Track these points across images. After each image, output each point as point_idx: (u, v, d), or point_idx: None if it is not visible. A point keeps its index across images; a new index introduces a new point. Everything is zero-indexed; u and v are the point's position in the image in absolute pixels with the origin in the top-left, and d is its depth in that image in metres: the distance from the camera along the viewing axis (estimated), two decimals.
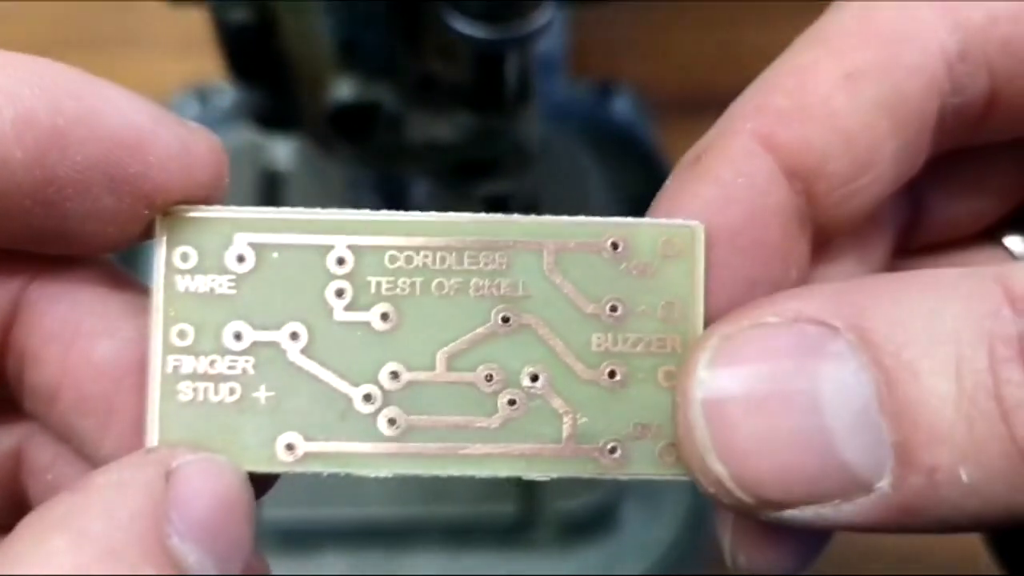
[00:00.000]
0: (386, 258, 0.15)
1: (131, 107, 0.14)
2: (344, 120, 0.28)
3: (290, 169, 0.46)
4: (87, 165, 0.14)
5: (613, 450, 0.15)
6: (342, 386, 0.15)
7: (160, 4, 0.32)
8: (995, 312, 0.13)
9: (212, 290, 0.15)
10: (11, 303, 0.16)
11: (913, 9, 0.15)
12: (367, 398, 0.15)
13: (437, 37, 0.28)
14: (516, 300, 0.15)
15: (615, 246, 0.15)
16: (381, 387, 0.15)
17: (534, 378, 0.15)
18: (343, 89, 0.27)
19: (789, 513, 0.14)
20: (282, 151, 0.46)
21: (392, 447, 0.15)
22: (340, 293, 0.15)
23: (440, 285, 0.15)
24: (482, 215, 0.15)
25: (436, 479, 0.15)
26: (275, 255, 0.15)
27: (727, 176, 0.15)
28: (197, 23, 0.32)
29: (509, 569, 0.37)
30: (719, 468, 0.14)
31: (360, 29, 0.26)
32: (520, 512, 0.37)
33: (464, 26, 0.25)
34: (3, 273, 0.16)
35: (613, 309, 0.15)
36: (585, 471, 0.15)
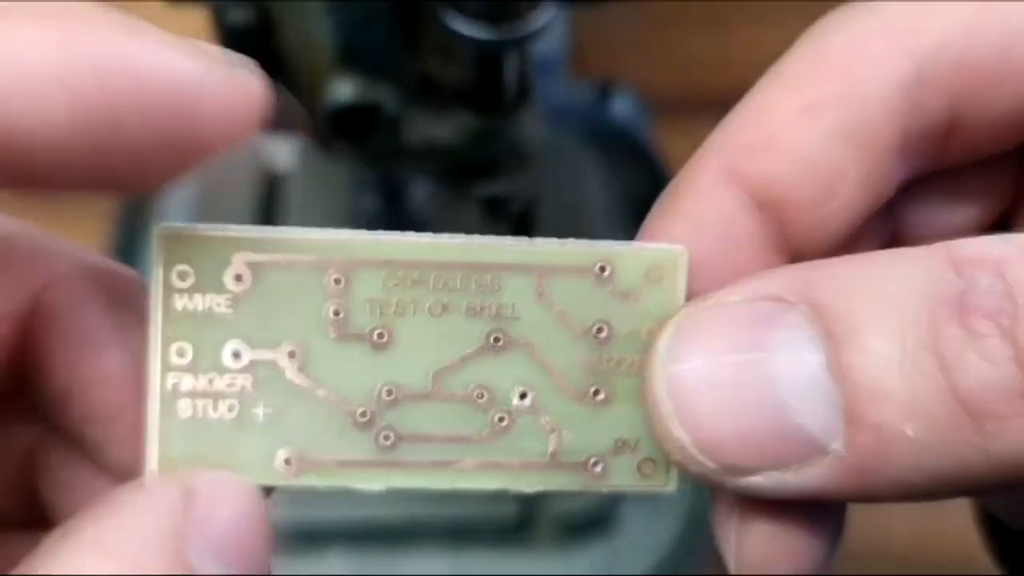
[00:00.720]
0: (381, 279, 0.15)
1: (181, 66, 0.13)
2: (344, 121, 0.27)
3: (290, 169, 0.46)
4: (138, 138, 0.13)
5: (596, 464, 0.16)
6: (338, 403, 0.15)
7: (160, 4, 0.32)
8: (938, 275, 0.13)
9: (210, 309, 0.15)
10: (30, 303, 0.16)
11: (866, 40, 0.16)
12: (362, 415, 0.15)
13: (436, 38, 0.28)
14: (506, 321, 0.16)
15: (602, 270, 0.16)
16: (376, 404, 0.15)
17: (523, 396, 0.16)
18: (343, 90, 0.27)
19: (755, 480, 0.14)
20: (282, 151, 0.46)
21: (386, 462, 0.15)
22: (336, 313, 0.15)
23: (434, 306, 0.15)
24: (474, 238, 0.16)
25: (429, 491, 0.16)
26: (272, 275, 0.15)
27: (696, 210, 0.16)
28: (197, 23, 0.32)
29: (509, 569, 0.37)
30: (682, 435, 0.14)
31: (360, 30, 0.26)
32: (520, 512, 0.37)
33: (463, 27, 0.25)
34: (23, 273, 0.16)
35: (599, 331, 0.16)
36: (569, 485, 0.16)
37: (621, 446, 0.16)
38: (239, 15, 0.28)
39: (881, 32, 0.16)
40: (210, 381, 0.15)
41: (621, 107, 0.47)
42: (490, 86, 0.28)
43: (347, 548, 0.38)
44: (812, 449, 0.14)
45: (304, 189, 0.45)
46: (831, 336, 0.14)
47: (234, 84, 0.14)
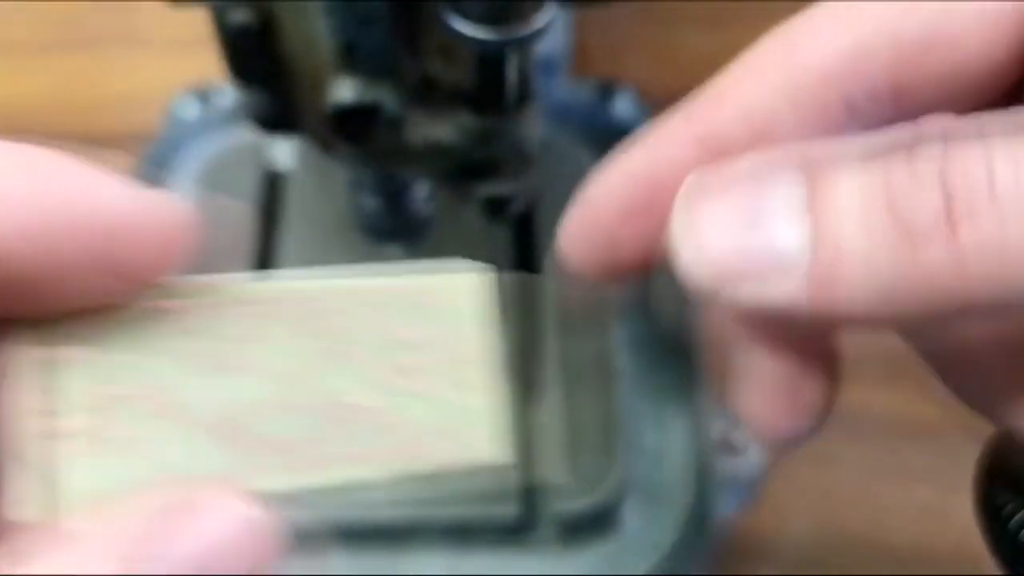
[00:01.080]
0: (228, 315, 0.17)
1: (111, 192, 0.15)
2: (344, 121, 0.27)
3: (290, 169, 0.46)
4: (75, 254, 0.15)
5: (427, 447, 0.18)
6: (198, 425, 0.17)
7: (160, 4, 0.32)
8: (900, 135, 0.17)
9: (70, 352, 0.16)
10: None
11: (815, 22, 0.19)
12: (220, 432, 0.17)
13: (437, 38, 0.28)
14: (338, 337, 0.18)
15: (410, 290, 0.19)
16: (235, 421, 0.17)
17: (359, 397, 0.18)
18: (343, 90, 0.27)
19: (745, 290, 0.17)
20: (282, 151, 0.46)
21: (247, 471, 0.17)
22: (190, 347, 0.17)
23: (274, 332, 0.18)
24: (300, 280, 0.18)
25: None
26: (131, 314, 0.17)
27: (654, 144, 0.20)
28: (197, 23, 0.32)
29: (509, 569, 0.37)
30: (689, 250, 0.18)
31: (360, 30, 0.26)
32: (521, 513, 0.37)
33: (464, 27, 0.25)
34: None
35: (417, 336, 0.18)
36: (406, 469, 0.18)
37: (446, 430, 0.18)
38: (239, 15, 0.28)
39: (828, 16, 0.19)
40: (75, 420, 0.16)
41: (622, 107, 0.47)
42: (491, 87, 0.28)
43: (347, 548, 0.38)
44: (788, 264, 0.17)
45: (304, 189, 0.45)
46: (813, 178, 0.17)
47: (156, 214, 0.16)
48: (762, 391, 0.20)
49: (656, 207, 0.20)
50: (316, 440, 0.18)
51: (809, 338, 0.19)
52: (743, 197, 0.17)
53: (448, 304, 0.19)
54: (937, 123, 0.17)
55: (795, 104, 0.19)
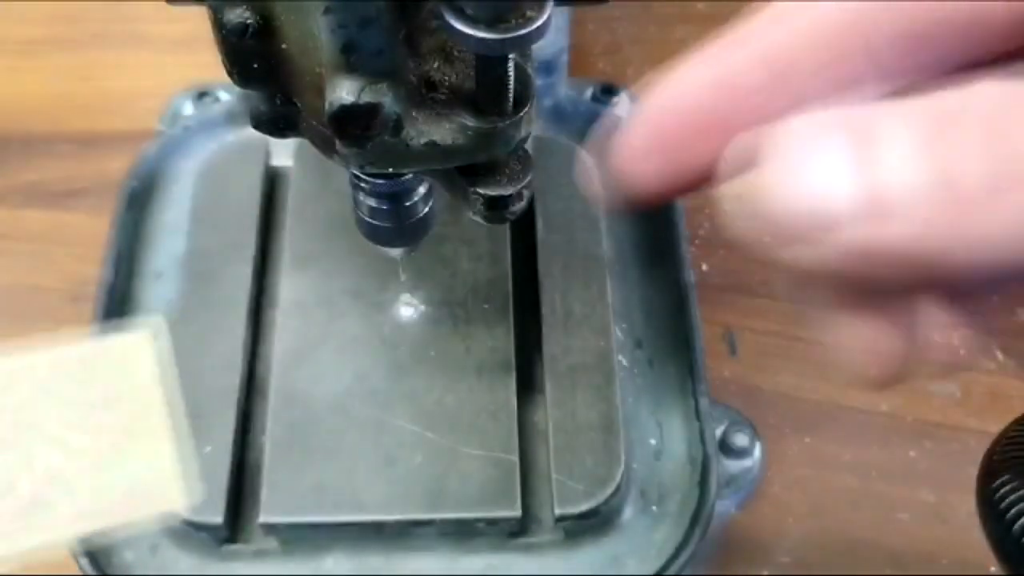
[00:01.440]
0: None
1: None
2: (344, 121, 0.27)
3: (290, 169, 0.46)
4: None
5: (122, 504, 0.19)
6: None
7: (160, 3, 0.32)
8: (948, 98, 0.17)
9: None
10: None
11: None
12: None
13: (437, 38, 0.28)
14: (23, 410, 0.19)
15: (86, 363, 0.20)
16: None
17: (49, 464, 0.19)
18: (343, 91, 0.27)
19: (796, 251, 0.18)
20: (282, 151, 0.46)
21: None
22: None
23: None
24: None
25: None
26: None
27: (673, 81, 0.21)
28: (197, 23, 0.32)
29: (509, 570, 0.37)
30: (740, 211, 0.18)
31: (360, 30, 0.26)
32: (521, 514, 0.37)
33: (464, 27, 0.25)
34: None
35: (104, 402, 0.19)
36: (100, 526, 0.19)
37: (136, 483, 0.19)
38: (239, 15, 0.28)
39: None
40: None
41: (622, 107, 0.48)
42: (491, 87, 0.28)
43: (347, 548, 0.38)
44: (835, 225, 0.17)
45: (304, 189, 0.45)
46: (863, 140, 0.17)
47: None
48: (850, 337, 0.20)
49: (673, 148, 0.21)
50: (9, 512, 0.19)
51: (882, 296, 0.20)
52: (792, 160, 0.18)
53: (122, 363, 0.20)
54: (985, 85, 0.17)
55: (816, 51, 0.20)
